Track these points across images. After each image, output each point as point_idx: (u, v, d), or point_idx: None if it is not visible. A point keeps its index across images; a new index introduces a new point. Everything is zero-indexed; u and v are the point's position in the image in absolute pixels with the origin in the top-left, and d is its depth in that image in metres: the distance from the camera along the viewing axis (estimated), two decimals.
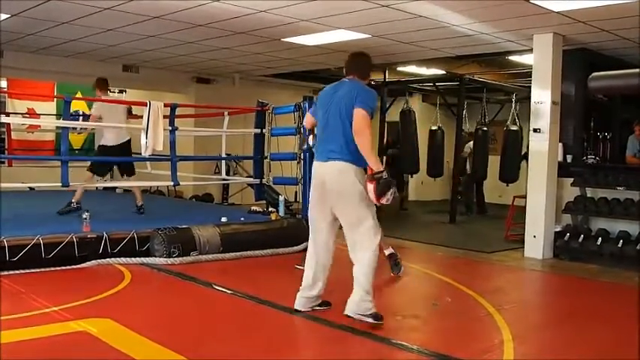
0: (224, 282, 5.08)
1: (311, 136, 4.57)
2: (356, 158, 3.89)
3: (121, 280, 5.08)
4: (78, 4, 6.36)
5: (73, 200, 6.93)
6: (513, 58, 8.96)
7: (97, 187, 7.33)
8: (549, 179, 7.16)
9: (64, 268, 5.34)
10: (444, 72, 10.87)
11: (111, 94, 7.29)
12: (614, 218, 7.09)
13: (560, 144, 7.42)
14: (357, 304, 3.85)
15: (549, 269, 6.73)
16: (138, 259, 5.75)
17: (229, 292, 4.86)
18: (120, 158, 7.14)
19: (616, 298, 5.48)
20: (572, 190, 7.52)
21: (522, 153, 10.22)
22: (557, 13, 6.03)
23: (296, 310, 4.18)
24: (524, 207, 7.43)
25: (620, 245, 6.69)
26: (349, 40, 7.63)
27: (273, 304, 4.43)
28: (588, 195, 7.46)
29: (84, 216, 5.88)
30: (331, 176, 3.95)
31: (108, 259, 5.64)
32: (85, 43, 8.52)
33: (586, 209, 7.35)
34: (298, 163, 7.55)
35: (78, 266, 5.45)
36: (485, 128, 11.14)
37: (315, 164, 4.10)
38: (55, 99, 10.65)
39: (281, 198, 8.02)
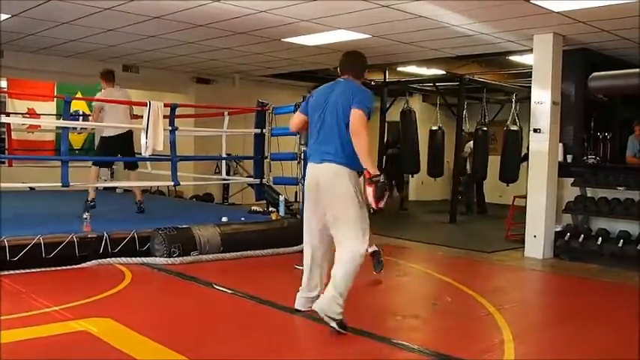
0: (224, 282, 5.08)
1: (301, 139, 4.46)
2: (351, 161, 3.83)
3: (121, 280, 5.08)
4: (78, 5, 6.36)
5: (88, 199, 7.03)
6: (513, 58, 8.96)
7: (96, 187, 7.32)
8: (549, 179, 7.16)
9: (64, 267, 5.34)
10: (444, 72, 10.86)
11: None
12: (614, 218, 7.09)
13: (561, 144, 7.42)
14: (329, 302, 3.69)
15: (550, 269, 6.73)
16: (138, 258, 5.75)
17: (230, 291, 4.86)
18: (120, 162, 7.14)
19: (616, 297, 5.48)
20: (572, 190, 7.53)
21: (522, 155, 10.21)
22: (558, 13, 6.03)
23: (296, 310, 4.17)
24: (525, 207, 7.43)
25: (620, 245, 6.69)
26: (349, 40, 7.64)
27: (273, 304, 4.43)
28: (588, 195, 7.46)
29: (84, 216, 5.89)
30: (325, 178, 3.89)
31: (108, 259, 5.64)
32: (85, 43, 8.53)
33: (586, 209, 7.35)
34: (298, 163, 7.54)
35: (78, 266, 5.45)
36: (485, 128, 11.15)
37: (309, 165, 4.05)
38: (55, 99, 10.64)
39: (281, 198, 8.01)
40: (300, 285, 4.20)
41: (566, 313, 4.77)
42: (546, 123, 7.07)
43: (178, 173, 7.24)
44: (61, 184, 6.27)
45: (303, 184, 7.24)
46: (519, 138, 10.62)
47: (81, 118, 9.46)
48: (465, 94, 10.69)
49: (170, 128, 7.03)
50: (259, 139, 8.29)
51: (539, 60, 7.19)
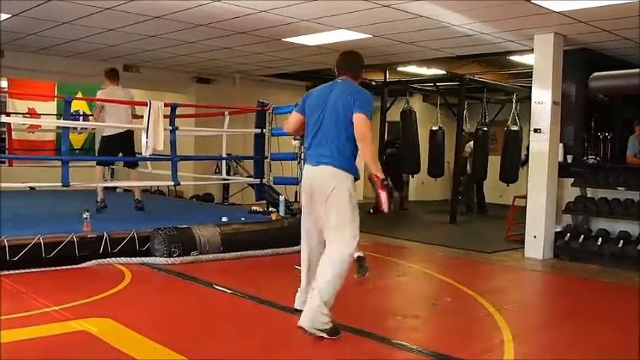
0: (224, 282, 5.08)
1: (297, 142, 4.40)
2: (347, 165, 3.81)
3: (121, 280, 5.08)
4: (79, 4, 6.36)
5: (97, 200, 7.11)
6: (514, 58, 8.96)
7: (104, 187, 7.36)
8: (550, 179, 7.15)
9: (64, 267, 5.35)
10: (444, 72, 10.87)
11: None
12: (614, 218, 7.09)
13: (561, 144, 7.42)
14: (314, 315, 3.62)
15: (550, 269, 6.73)
16: (138, 258, 5.76)
17: (229, 291, 4.86)
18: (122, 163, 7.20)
19: (616, 298, 5.48)
20: (572, 191, 7.52)
21: (521, 161, 10.17)
22: (558, 13, 6.03)
23: (296, 310, 4.16)
24: (525, 207, 7.42)
25: (620, 245, 6.69)
26: (350, 40, 7.64)
27: (273, 304, 4.44)
28: (589, 195, 7.45)
29: (84, 216, 5.88)
30: (321, 181, 3.85)
31: (108, 259, 5.64)
32: (85, 43, 8.53)
33: (586, 209, 7.35)
34: (298, 163, 7.54)
35: (78, 266, 5.45)
36: (485, 128, 11.15)
37: (306, 167, 4.00)
38: (56, 99, 10.65)
39: (281, 198, 8.02)
40: (300, 285, 4.20)
41: (566, 313, 4.77)
42: (547, 123, 7.07)
43: (178, 173, 7.24)
44: (61, 184, 6.27)
45: None
46: (520, 138, 10.62)
47: (81, 118, 9.45)
48: (465, 94, 10.68)
49: (170, 128, 7.03)
50: (259, 139, 8.29)
51: (540, 60, 7.19)
